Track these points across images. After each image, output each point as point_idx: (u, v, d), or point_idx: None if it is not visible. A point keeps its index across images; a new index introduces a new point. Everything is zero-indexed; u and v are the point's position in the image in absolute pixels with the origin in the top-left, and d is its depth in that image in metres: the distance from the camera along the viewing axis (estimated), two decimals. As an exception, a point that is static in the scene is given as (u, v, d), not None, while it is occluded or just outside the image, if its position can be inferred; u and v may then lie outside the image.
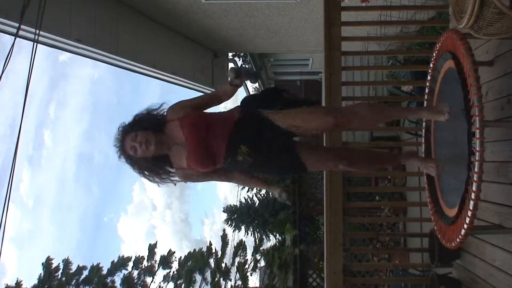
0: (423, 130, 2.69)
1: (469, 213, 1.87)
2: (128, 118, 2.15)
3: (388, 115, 2.36)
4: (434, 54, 2.42)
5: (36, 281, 19.84)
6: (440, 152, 2.45)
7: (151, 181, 2.17)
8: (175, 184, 2.21)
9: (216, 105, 2.26)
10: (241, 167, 2.17)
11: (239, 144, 2.07)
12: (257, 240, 21.39)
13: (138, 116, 2.14)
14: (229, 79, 2.16)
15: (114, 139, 2.11)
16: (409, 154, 2.50)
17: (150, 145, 2.04)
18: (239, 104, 2.25)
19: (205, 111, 2.22)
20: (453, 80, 2.06)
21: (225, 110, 2.27)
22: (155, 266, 22.01)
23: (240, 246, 21.77)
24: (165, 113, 2.16)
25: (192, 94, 5.13)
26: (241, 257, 21.60)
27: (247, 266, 21.28)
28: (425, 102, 2.61)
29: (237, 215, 21.20)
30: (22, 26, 3.38)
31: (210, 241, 27.62)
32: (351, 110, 2.23)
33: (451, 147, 2.30)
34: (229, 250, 21.69)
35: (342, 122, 2.12)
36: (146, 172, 2.14)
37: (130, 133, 2.06)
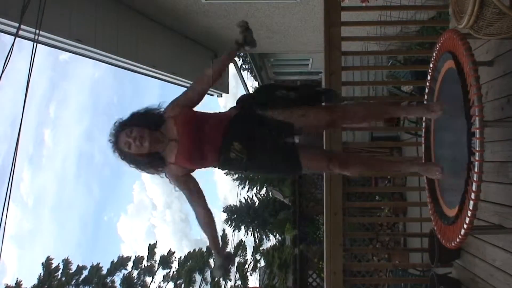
0: (423, 130, 2.69)
1: (469, 213, 1.87)
2: (126, 116, 2.15)
3: (382, 111, 2.39)
4: (434, 54, 2.42)
5: (36, 281, 19.86)
6: (440, 152, 2.45)
7: (145, 171, 2.17)
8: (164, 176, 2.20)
9: (207, 88, 2.22)
10: (235, 167, 2.17)
11: (232, 141, 2.07)
12: (257, 240, 21.42)
13: (135, 113, 2.13)
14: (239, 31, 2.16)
15: (109, 134, 2.11)
16: (409, 162, 2.49)
17: (144, 142, 2.03)
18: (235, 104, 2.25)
19: (202, 111, 2.21)
20: (453, 80, 2.06)
21: (223, 111, 2.27)
22: (155, 266, 22.04)
23: (240, 246, 21.79)
24: (162, 112, 2.16)
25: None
26: (241, 257, 21.61)
27: (247, 266, 21.29)
28: (425, 102, 2.61)
29: (237, 215, 21.23)
30: (22, 26, 3.38)
31: (210, 241, 27.55)
32: (346, 106, 2.27)
33: (451, 147, 2.30)
34: (229, 250, 21.66)
35: (337, 116, 2.15)
36: (138, 167, 2.14)
37: (125, 128, 2.06)
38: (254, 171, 2.37)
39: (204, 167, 2.20)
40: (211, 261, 21.55)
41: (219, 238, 2.26)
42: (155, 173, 2.17)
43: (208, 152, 2.10)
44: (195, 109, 2.21)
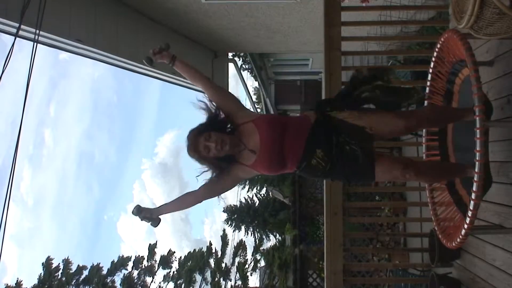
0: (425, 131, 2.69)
1: (469, 213, 1.87)
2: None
3: (454, 117, 2.32)
4: (434, 54, 2.42)
5: (36, 281, 19.86)
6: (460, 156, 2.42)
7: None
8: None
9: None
10: (314, 174, 2.14)
11: (315, 148, 2.05)
12: (257, 240, 21.42)
13: (209, 118, 2.12)
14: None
15: (187, 137, 2.10)
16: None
17: (225, 145, 2.04)
18: (312, 108, 2.22)
19: (281, 115, 2.21)
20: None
21: (299, 115, 2.25)
22: (155, 266, 22.03)
23: (240, 246, 21.78)
24: (234, 117, 2.14)
25: (193, 94, 5.13)
26: (241, 257, 21.61)
27: (247, 266, 21.29)
28: (425, 102, 2.61)
29: (237, 215, 21.22)
30: (22, 26, 3.38)
31: (210, 241, 27.66)
32: (421, 113, 2.22)
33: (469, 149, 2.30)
34: (229, 250, 21.68)
35: (412, 125, 2.12)
36: (211, 169, 2.12)
37: (203, 133, 2.06)
38: (328, 178, 2.35)
39: (281, 173, 2.17)
40: (211, 261, 21.57)
41: (170, 210, 2.21)
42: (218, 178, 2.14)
43: (288, 158, 2.08)
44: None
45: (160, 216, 2.14)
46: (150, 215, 2.10)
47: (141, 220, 2.11)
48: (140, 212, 2.09)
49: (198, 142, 2.06)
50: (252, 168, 2.11)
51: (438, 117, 2.24)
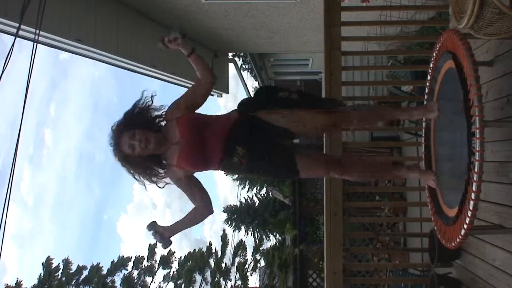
0: (423, 130, 2.69)
1: (469, 213, 1.87)
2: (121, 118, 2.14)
3: (382, 115, 2.39)
4: (434, 54, 2.42)
5: (36, 281, 19.87)
6: (440, 152, 2.45)
7: (139, 182, 2.15)
8: (162, 186, 2.20)
9: (203, 92, 2.22)
10: (236, 171, 2.18)
11: (235, 146, 2.08)
12: (257, 240, 21.44)
13: (129, 114, 2.11)
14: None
15: (109, 138, 2.10)
16: (411, 168, 2.46)
17: (150, 143, 2.04)
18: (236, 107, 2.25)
19: (203, 113, 2.22)
20: (453, 80, 2.06)
21: (224, 114, 2.27)
22: (155, 266, 22.05)
23: (240, 246, 21.81)
24: (163, 114, 2.17)
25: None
26: (241, 257, 21.64)
27: (247, 266, 21.31)
28: (424, 102, 2.61)
29: (237, 215, 21.25)
30: (22, 26, 3.37)
31: (210, 241, 27.67)
32: (345, 111, 2.28)
33: (451, 148, 2.30)
34: (229, 250, 21.71)
35: (336, 120, 2.16)
36: (138, 172, 2.13)
37: (127, 131, 2.05)
38: (253, 174, 2.38)
39: (205, 170, 2.20)
40: (211, 261, 21.58)
41: (181, 228, 2.23)
42: (154, 181, 2.16)
43: (210, 155, 2.11)
44: (197, 111, 2.21)
45: (171, 238, 2.15)
46: (161, 234, 2.10)
47: (153, 238, 2.11)
48: (154, 228, 2.10)
49: (122, 141, 2.05)
50: (177, 167, 2.10)
51: (363, 115, 2.26)
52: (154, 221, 2.11)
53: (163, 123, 2.17)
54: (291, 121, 2.11)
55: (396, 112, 2.46)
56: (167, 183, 2.20)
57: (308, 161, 2.17)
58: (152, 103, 2.15)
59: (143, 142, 2.02)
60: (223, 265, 21.43)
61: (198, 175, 2.23)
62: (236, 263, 21.38)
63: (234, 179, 21.55)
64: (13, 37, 3.37)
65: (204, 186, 2.22)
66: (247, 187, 21.43)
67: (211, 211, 2.20)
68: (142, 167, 2.11)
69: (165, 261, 22.07)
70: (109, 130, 2.11)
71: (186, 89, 2.32)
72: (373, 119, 2.39)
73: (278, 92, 2.22)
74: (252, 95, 2.64)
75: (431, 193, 2.46)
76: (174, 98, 2.22)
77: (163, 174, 2.16)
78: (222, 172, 2.26)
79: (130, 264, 21.70)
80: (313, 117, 2.13)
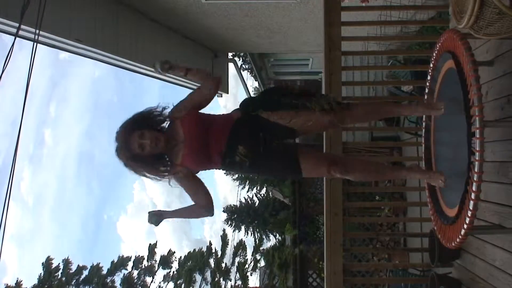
0: (423, 130, 2.69)
1: (469, 213, 1.87)
2: (127, 117, 2.16)
3: (382, 111, 2.40)
4: (434, 54, 2.42)
5: (36, 281, 19.85)
6: (440, 152, 2.45)
7: (153, 179, 2.19)
8: (174, 186, 2.22)
9: (208, 97, 2.24)
10: (238, 169, 2.19)
11: (237, 145, 2.10)
12: (257, 240, 21.42)
13: (139, 115, 2.16)
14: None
15: (116, 138, 2.11)
16: (411, 169, 2.47)
17: (160, 142, 2.08)
18: (238, 106, 2.27)
19: (207, 112, 2.25)
20: (453, 80, 2.06)
21: (226, 113, 2.29)
22: (155, 266, 22.03)
23: (240, 246, 21.78)
24: (167, 114, 2.19)
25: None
26: (241, 257, 21.61)
27: (247, 266, 21.29)
28: (424, 102, 2.61)
29: (237, 215, 21.22)
30: (22, 26, 3.37)
31: (210, 241, 27.64)
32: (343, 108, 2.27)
33: (451, 147, 2.30)
34: (229, 250, 21.69)
35: (336, 118, 2.16)
36: (149, 170, 2.15)
37: (135, 131, 2.08)
38: (255, 174, 2.40)
39: (209, 169, 2.23)
40: (211, 261, 21.57)
41: (178, 215, 2.35)
42: (161, 178, 2.18)
43: (213, 154, 2.14)
44: (201, 111, 2.24)
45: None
46: (160, 213, 2.22)
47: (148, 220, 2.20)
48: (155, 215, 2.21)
49: (131, 141, 2.07)
50: (182, 165, 2.14)
51: (362, 111, 2.28)
52: (158, 210, 2.25)
53: (168, 123, 2.20)
54: (295, 119, 2.11)
55: (398, 109, 2.45)
56: (176, 183, 2.23)
57: (311, 160, 2.17)
58: (162, 109, 2.20)
59: (153, 142, 2.07)
60: (223, 265, 21.41)
61: (198, 174, 2.24)
62: (236, 263, 21.35)
63: (234, 179, 21.55)
64: (13, 37, 3.37)
65: (207, 187, 2.23)
66: (247, 187, 21.42)
67: (211, 213, 2.21)
68: (153, 165, 2.14)
69: (165, 261, 22.05)
70: (112, 130, 2.16)
71: (188, 90, 2.33)
72: (374, 116, 2.40)
73: (282, 96, 2.21)
74: (252, 95, 2.65)
75: (431, 193, 2.46)
76: (174, 98, 2.24)
77: (170, 172, 2.18)
78: (223, 171, 2.28)
79: (130, 264, 21.67)
80: (318, 115, 2.12)
